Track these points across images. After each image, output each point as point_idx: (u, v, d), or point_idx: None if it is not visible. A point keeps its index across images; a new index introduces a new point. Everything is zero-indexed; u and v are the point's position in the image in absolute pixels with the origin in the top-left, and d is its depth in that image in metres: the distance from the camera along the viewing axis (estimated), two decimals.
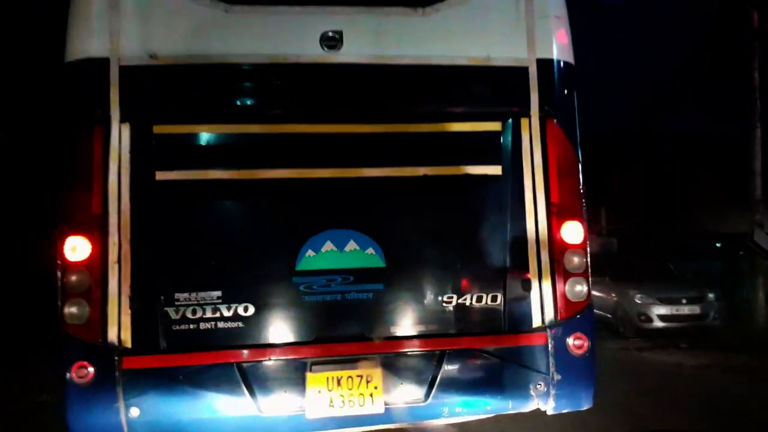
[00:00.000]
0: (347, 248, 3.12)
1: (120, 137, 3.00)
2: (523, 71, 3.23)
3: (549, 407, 3.14)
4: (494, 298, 3.19)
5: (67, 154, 3.05)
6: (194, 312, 3.01)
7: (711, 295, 10.07)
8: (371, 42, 3.16)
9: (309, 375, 2.99)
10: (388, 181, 3.21)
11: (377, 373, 3.01)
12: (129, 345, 2.93)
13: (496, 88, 3.27)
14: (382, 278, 3.12)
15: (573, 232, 3.20)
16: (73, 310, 2.91)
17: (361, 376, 3.00)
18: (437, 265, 3.21)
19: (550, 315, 3.16)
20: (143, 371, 2.93)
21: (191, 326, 3.01)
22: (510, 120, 3.26)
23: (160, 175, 3.05)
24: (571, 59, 3.35)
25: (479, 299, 3.19)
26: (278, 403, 2.99)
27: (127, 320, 2.94)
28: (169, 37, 3.05)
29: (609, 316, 10.40)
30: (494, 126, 3.29)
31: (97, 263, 2.93)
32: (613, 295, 10.33)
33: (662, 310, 9.76)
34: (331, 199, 3.19)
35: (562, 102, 3.29)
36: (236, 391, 2.96)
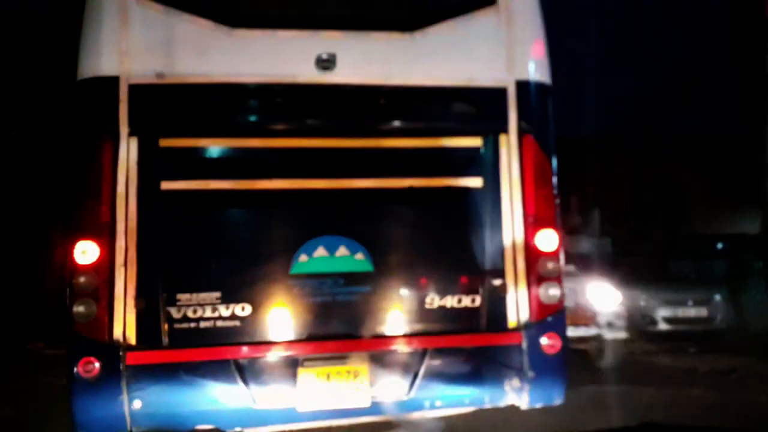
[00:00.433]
0: (338, 253, 3.29)
1: (128, 150, 3.15)
2: (503, 92, 3.44)
3: (523, 402, 3.32)
4: (473, 300, 3.37)
5: (79, 164, 3.21)
6: (195, 311, 3.16)
7: (717, 297, 9.33)
8: (363, 64, 3.36)
9: (301, 370, 3.15)
10: (377, 192, 3.40)
11: (364, 369, 3.17)
12: (133, 342, 3.06)
13: (477, 106, 3.48)
14: (370, 281, 3.30)
15: (547, 240, 3.40)
16: (82, 309, 3.04)
17: (350, 372, 3.16)
18: (421, 270, 3.39)
19: (524, 316, 3.33)
20: (146, 366, 3.07)
21: (192, 325, 3.16)
22: (490, 136, 3.47)
23: (165, 185, 3.22)
24: (547, 80, 3.58)
25: (459, 301, 3.36)
26: (272, 396, 3.14)
27: (131, 319, 3.07)
28: (174, 57, 3.21)
29: None
30: (475, 141, 3.50)
31: (105, 266, 3.07)
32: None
33: (667, 312, 9.18)
34: (324, 208, 3.37)
35: (539, 120, 3.50)
36: (232, 385, 3.10)
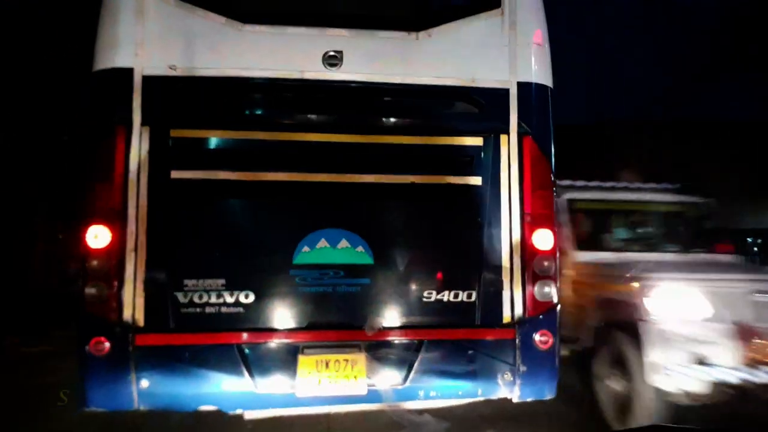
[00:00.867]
0: (339, 246, 3.39)
1: (140, 139, 3.27)
2: (505, 93, 3.52)
3: (515, 395, 3.42)
4: (469, 295, 3.46)
5: (92, 151, 3.32)
6: (201, 297, 3.28)
7: None
8: (368, 62, 3.44)
9: (300, 357, 3.26)
10: (380, 187, 3.49)
11: (362, 358, 3.28)
12: (141, 324, 3.20)
13: (479, 107, 3.56)
14: (369, 274, 3.40)
15: (543, 239, 3.48)
16: (93, 291, 3.18)
17: (347, 360, 3.27)
18: (420, 264, 3.48)
19: (519, 312, 3.43)
20: (153, 348, 3.20)
21: (197, 309, 3.27)
22: (491, 136, 3.54)
23: (175, 174, 3.32)
24: (549, 83, 3.64)
25: (456, 296, 3.45)
26: (272, 382, 3.26)
27: (140, 302, 3.20)
28: (187, 50, 3.32)
29: None
30: (476, 141, 3.57)
31: (116, 250, 3.19)
32: None
33: None
34: (328, 201, 3.46)
35: (539, 121, 3.57)
36: (235, 369, 3.23)
